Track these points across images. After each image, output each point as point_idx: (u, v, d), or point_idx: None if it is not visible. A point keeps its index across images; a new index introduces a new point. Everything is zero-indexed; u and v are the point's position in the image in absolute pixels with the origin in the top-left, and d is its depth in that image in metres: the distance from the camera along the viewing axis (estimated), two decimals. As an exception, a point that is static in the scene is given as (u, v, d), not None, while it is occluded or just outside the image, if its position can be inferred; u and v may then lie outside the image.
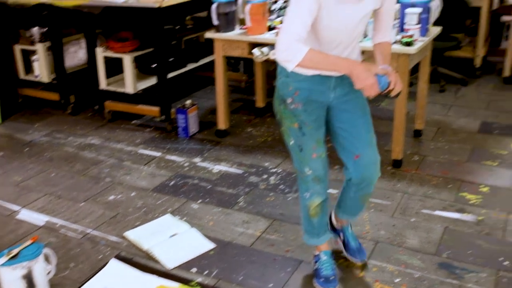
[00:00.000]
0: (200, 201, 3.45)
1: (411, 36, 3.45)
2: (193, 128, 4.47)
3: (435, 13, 3.76)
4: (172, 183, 3.69)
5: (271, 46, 3.79)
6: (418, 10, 3.52)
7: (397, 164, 3.78)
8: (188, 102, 4.48)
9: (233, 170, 3.85)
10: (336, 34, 2.19)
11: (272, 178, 3.72)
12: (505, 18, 6.11)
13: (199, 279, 2.71)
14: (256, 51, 3.81)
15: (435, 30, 3.90)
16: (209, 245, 2.98)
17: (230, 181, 3.69)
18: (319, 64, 2.11)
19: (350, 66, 2.10)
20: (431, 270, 2.71)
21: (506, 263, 2.77)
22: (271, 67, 5.08)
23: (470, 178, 3.63)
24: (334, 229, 2.85)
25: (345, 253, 2.80)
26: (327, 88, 2.34)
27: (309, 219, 2.59)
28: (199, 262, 2.85)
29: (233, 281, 2.69)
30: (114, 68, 4.79)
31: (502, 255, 2.83)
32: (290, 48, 2.04)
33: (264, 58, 3.84)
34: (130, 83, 4.56)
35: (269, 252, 2.91)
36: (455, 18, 5.54)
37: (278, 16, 3.99)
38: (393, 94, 2.19)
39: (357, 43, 2.31)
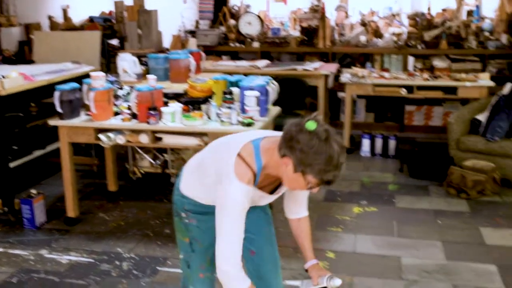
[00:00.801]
0: (47, 296, 3.25)
1: (251, 117, 3.67)
2: (41, 218, 4.24)
3: (273, 95, 4.03)
4: (15, 279, 3.43)
5: (117, 131, 3.80)
6: (256, 93, 3.76)
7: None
8: (34, 191, 4.27)
9: (84, 259, 3.69)
10: None
11: (124, 264, 3.62)
12: (340, 94, 6.71)
13: None
14: (102, 137, 3.79)
15: (275, 110, 4.18)
16: None
17: (80, 271, 3.53)
18: None
19: None
20: None
21: (352, 324, 2.92)
22: (121, 149, 5.06)
23: (318, 245, 3.82)
24: None
25: None
26: None
27: None
28: None
29: None
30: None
31: (348, 317, 2.99)
32: (236, 279, 2.00)
33: (112, 143, 3.82)
34: (-33, 175, 4.26)
35: None
36: (296, 97, 5.99)
37: (125, 101, 4.02)
38: None
39: None
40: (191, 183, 2.22)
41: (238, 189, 1.92)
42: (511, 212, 4.49)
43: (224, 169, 1.95)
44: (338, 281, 2.18)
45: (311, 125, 1.81)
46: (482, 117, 5.31)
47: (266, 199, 2.17)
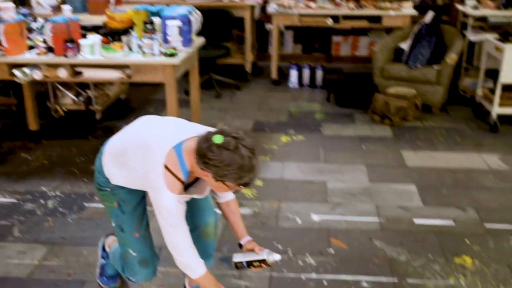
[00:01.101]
0: (-32, 239, 3.14)
1: (174, 48, 3.57)
2: (-43, 161, 4.04)
3: (196, 25, 3.93)
4: None
5: (33, 66, 3.61)
6: (178, 22, 3.65)
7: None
8: None
9: (6, 199, 3.57)
10: None
11: (50, 202, 3.53)
12: (268, 26, 6.65)
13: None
14: (17, 73, 3.59)
15: (199, 41, 4.08)
16: (-20, 285, 2.72)
17: (3, 211, 3.41)
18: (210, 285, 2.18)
19: None
20: (214, 266, 2.82)
21: (279, 246, 3.01)
22: (42, 87, 4.84)
23: (246, 175, 3.87)
24: None
25: None
26: None
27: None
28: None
29: (10, 317, 2.50)
30: None
31: (275, 240, 3.07)
32: (192, 264, 2.13)
33: (28, 79, 3.63)
34: None
35: (50, 279, 2.76)
36: (222, 29, 5.88)
37: (40, 35, 3.80)
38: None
39: None
40: (116, 172, 2.21)
41: (172, 200, 2.01)
42: (430, 135, 4.69)
43: (155, 181, 2.01)
44: (277, 256, 2.23)
45: (218, 139, 1.91)
46: (405, 45, 5.42)
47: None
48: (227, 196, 2.33)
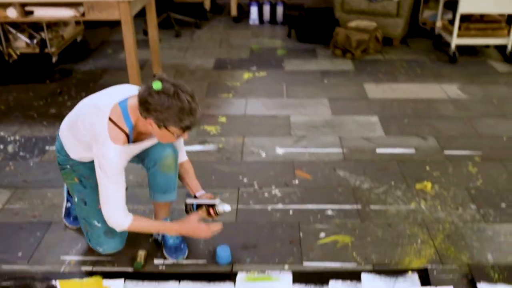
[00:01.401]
0: None
1: (128, -20, 3.44)
2: None
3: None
4: None
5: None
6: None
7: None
8: None
9: (-37, 146, 3.48)
10: None
11: (10, 146, 3.45)
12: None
13: None
14: (-36, 12, 3.42)
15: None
16: None
17: (-39, 158, 3.33)
18: (145, 230, 2.30)
19: (178, 229, 2.29)
20: (180, 201, 2.84)
21: (245, 180, 3.04)
22: None
23: (209, 112, 3.85)
24: None
25: (164, 250, 2.50)
26: None
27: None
28: None
29: (-24, 261, 2.47)
30: None
31: (241, 174, 3.10)
32: (115, 218, 2.16)
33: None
34: None
35: (14, 222, 2.73)
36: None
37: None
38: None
39: None
40: (72, 143, 2.27)
41: (115, 152, 2.06)
42: (391, 68, 4.72)
43: (99, 133, 2.07)
44: (227, 207, 2.29)
45: (157, 85, 1.96)
46: (365, -23, 5.36)
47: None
48: (182, 158, 2.43)
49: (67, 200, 2.67)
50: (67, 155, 2.32)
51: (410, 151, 3.37)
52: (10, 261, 2.46)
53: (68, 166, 2.34)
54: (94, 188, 2.27)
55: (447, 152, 3.36)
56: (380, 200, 2.87)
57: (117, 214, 2.16)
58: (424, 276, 2.32)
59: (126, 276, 2.34)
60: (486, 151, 3.36)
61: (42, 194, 2.94)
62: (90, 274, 2.36)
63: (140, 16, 4.28)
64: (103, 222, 2.31)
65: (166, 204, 2.46)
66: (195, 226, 2.25)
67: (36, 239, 2.60)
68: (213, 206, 2.29)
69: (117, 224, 2.17)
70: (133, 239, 2.49)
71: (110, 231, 2.35)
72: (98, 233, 2.34)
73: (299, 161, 3.24)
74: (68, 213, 2.67)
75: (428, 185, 3.01)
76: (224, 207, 2.29)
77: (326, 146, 3.41)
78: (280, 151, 3.36)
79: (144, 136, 2.20)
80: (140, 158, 2.37)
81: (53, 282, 2.31)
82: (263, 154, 3.32)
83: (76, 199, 2.35)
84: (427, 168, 3.18)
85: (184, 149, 2.47)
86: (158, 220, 2.48)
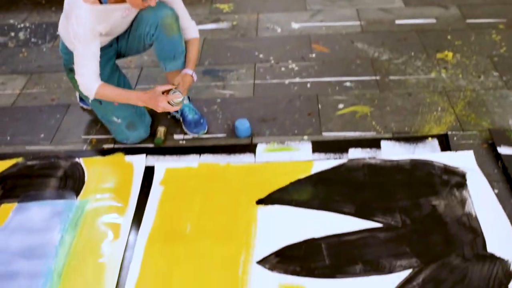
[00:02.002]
0: None
1: None
2: None
3: None
4: None
5: None
6: None
7: None
8: None
9: (-26, 36, 3.44)
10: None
11: (21, 34, 3.40)
12: None
13: (-38, 152, 2.48)
14: None
15: None
16: (-36, 117, 2.71)
17: (-27, 47, 3.30)
18: (111, 99, 2.20)
19: (140, 96, 2.15)
20: (197, 79, 2.81)
21: (261, 55, 2.98)
22: None
23: (221, -9, 3.72)
24: None
25: (183, 127, 2.50)
26: None
27: None
28: (-43, 136, 2.59)
29: (1, 143, 2.52)
30: None
31: (256, 50, 3.03)
32: (85, 83, 2.12)
33: None
34: None
35: (34, 106, 2.75)
36: None
37: None
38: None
39: None
40: (70, 43, 2.24)
41: (86, 12, 2.02)
42: None
43: None
44: (179, 96, 2.15)
45: None
46: None
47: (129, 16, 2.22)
48: (189, 34, 2.36)
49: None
50: (69, 53, 2.28)
51: (431, 21, 3.25)
52: (34, 142, 2.50)
53: (73, 65, 2.25)
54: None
55: (469, 20, 3.23)
56: (400, 70, 2.81)
57: (88, 78, 2.12)
58: (444, 141, 2.32)
59: (147, 151, 2.37)
60: (510, 18, 3.22)
61: (57, 78, 2.93)
62: (112, 151, 2.39)
63: None
64: (123, 117, 2.32)
65: (178, 72, 2.37)
66: (154, 96, 2.13)
67: (57, 121, 2.62)
68: (168, 91, 2.17)
69: (86, 89, 2.14)
70: (152, 116, 2.50)
71: (131, 124, 2.36)
72: (120, 128, 2.36)
73: (316, 35, 3.15)
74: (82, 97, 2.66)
75: (450, 54, 2.92)
76: (176, 96, 2.15)
77: (343, 20, 3.30)
78: (295, 26, 3.26)
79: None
80: (141, 34, 2.29)
81: (77, 160, 2.35)
82: (279, 30, 3.23)
83: (90, 100, 2.33)
84: (449, 37, 3.07)
85: (192, 26, 2.37)
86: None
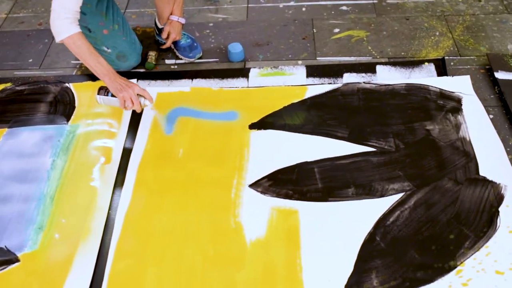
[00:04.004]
0: None
1: None
2: None
3: None
4: None
5: None
6: None
7: None
8: None
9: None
10: None
11: (5, -45, 3.26)
12: None
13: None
14: None
15: None
16: (-50, 41, 2.63)
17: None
18: (78, 55, 1.94)
19: (106, 76, 1.94)
20: (189, 2, 2.73)
21: (255, -21, 2.88)
22: None
23: None
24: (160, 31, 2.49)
25: (177, 53, 2.43)
26: None
27: None
28: None
29: (-12, 68, 2.46)
30: None
31: (250, -27, 2.92)
32: (57, 25, 1.87)
33: None
34: None
35: (21, 30, 2.67)
36: None
37: None
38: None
39: None
40: None
41: None
42: None
43: None
44: (148, 104, 1.99)
45: None
46: None
47: None
48: None
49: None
50: None
51: None
52: (22, 67, 2.45)
53: None
54: (95, 13, 2.16)
55: None
56: (398, -7, 2.73)
57: (64, 15, 1.87)
58: (441, 66, 2.27)
59: (138, 76, 2.32)
60: None
61: (45, 2, 2.84)
62: (103, 76, 2.34)
63: None
64: (113, 46, 2.25)
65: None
66: (128, 83, 1.95)
67: (45, 45, 2.56)
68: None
69: (56, 29, 1.88)
70: (141, 41, 2.44)
71: (122, 55, 2.29)
72: (111, 58, 2.28)
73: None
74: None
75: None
76: (145, 102, 1.98)
77: None
78: None
79: None
80: None
81: (67, 85, 2.31)
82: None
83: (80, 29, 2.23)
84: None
85: None
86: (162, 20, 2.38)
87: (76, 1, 1.89)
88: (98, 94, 2.01)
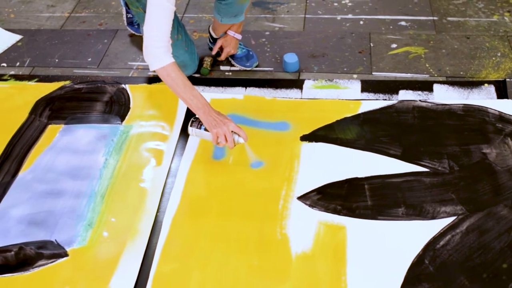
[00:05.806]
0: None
1: None
2: None
3: None
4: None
5: None
6: None
7: None
8: None
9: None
10: None
11: (71, -44, 3.36)
12: None
13: (12, 72, 2.52)
14: None
15: None
16: (14, 37, 2.73)
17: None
18: (172, 87, 1.89)
19: (204, 106, 1.86)
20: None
21: (314, -11, 2.88)
22: None
23: None
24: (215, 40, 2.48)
25: (233, 62, 2.43)
26: None
27: None
28: (8, 56, 2.62)
29: (49, 64, 2.54)
30: None
31: (309, -17, 2.92)
32: (152, 54, 1.86)
33: None
34: None
35: (82, 29, 2.74)
36: None
37: None
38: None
39: None
40: None
41: None
42: None
43: None
44: (242, 141, 1.88)
45: None
46: None
47: None
48: None
49: (127, 12, 2.61)
50: None
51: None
52: (81, 66, 2.51)
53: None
54: None
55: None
56: (459, 11, 2.66)
57: (159, 47, 1.86)
58: (502, 88, 2.21)
59: (193, 81, 2.34)
60: None
61: (106, 2, 2.91)
62: (158, 79, 2.37)
63: None
64: (175, 56, 2.14)
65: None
66: (223, 119, 1.85)
67: (104, 45, 2.62)
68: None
69: (151, 58, 1.87)
70: (197, 46, 2.46)
71: (182, 65, 2.26)
72: None
73: (373, -29, 3.00)
74: (131, 21, 2.63)
75: (515, -3, 2.75)
76: (239, 140, 1.88)
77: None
78: (352, -40, 3.11)
79: None
80: None
81: (123, 86, 2.35)
82: (334, -37, 3.09)
83: (141, 27, 2.27)
84: (515, -21, 2.88)
85: None
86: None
87: (168, 26, 1.86)
88: (190, 126, 1.93)
